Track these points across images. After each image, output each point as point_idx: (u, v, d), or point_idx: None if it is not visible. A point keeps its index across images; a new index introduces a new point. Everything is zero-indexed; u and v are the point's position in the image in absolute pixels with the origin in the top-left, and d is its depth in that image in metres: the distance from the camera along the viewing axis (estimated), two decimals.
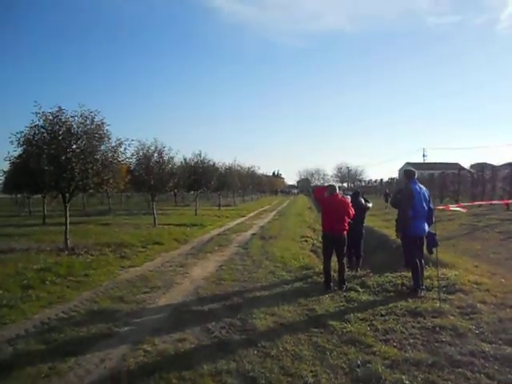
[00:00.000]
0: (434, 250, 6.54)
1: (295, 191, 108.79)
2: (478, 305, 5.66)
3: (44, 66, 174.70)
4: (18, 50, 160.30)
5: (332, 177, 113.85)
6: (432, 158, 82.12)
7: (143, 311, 6.14)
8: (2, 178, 21.52)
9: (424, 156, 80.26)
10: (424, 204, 6.52)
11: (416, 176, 6.85)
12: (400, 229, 6.74)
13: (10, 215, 30.00)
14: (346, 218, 7.32)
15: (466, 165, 63.75)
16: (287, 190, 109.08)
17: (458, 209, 7.87)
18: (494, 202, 14.18)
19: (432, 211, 6.66)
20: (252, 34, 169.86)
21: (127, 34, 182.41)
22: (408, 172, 6.93)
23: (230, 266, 9.45)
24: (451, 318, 5.22)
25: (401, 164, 79.55)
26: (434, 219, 6.71)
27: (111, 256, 10.68)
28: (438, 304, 5.77)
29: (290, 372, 3.87)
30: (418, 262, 6.59)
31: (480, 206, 22.06)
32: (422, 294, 6.38)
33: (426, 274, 7.15)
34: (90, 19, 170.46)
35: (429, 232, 6.64)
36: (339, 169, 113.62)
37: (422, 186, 6.79)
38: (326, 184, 9.25)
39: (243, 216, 26.31)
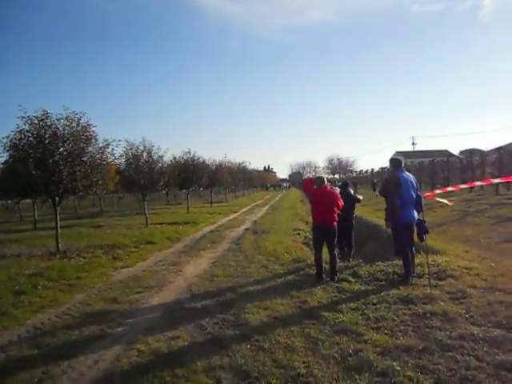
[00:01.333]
0: (424, 237, 6.58)
1: (285, 185, 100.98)
2: (468, 289, 5.74)
3: (28, 69, 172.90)
4: (2, 53, 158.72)
5: (323, 169, 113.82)
6: (422, 146, 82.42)
7: (136, 311, 6.13)
8: None
9: (413, 144, 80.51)
10: (412, 192, 6.56)
11: (403, 164, 6.89)
12: (389, 217, 6.79)
13: (0, 221, 29.75)
14: (336, 209, 7.35)
15: (456, 151, 64.06)
16: (277, 184, 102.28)
17: (444, 201, 7.87)
18: (477, 183, 14.32)
19: (420, 198, 6.69)
20: (238, 29, 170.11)
21: (113, 33, 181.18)
22: (395, 161, 6.96)
23: (222, 262, 9.46)
24: (441, 303, 5.28)
25: (391, 153, 79.64)
26: (422, 206, 6.75)
27: (103, 258, 10.64)
28: (428, 290, 5.84)
29: (282, 364, 3.89)
30: (408, 249, 6.64)
31: (471, 190, 22.27)
32: (414, 281, 6.45)
33: (416, 261, 7.23)
34: (75, 20, 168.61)
35: (418, 219, 6.68)
36: (330, 160, 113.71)
37: (409, 174, 6.83)
38: (317, 176, 9.25)
39: (235, 212, 26.31)
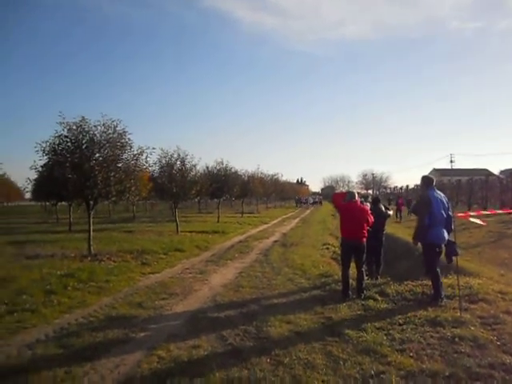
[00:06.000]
0: (453, 258, 6.37)
1: (311, 199, 73.14)
2: (502, 315, 5.48)
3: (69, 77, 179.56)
4: (41, 63, 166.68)
5: (357, 183, 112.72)
6: (460, 165, 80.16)
7: (160, 317, 6.18)
8: (30, 186, 22.07)
9: (451, 162, 78.42)
10: (442, 211, 6.36)
11: (434, 183, 6.71)
12: (417, 236, 6.60)
13: (38, 222, 30.86)
14: (365, 225, 7.22)
15: (496, 171, 62.04)
16: (300, 199, 71.84)
17: (477, 221, 7.54)
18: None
19: (451, 218, 6.47)
20: (274, 43, 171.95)
21: (141, 42, 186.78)
22: (426, 179, 6.78)
23: (249, 273, 9.44)
24: (472, 328, 5.06)
25: (428, 170, 77.99)
26: (453, 227, 6.53)
27: (133, 263, 10.82)
28: (458, 314, 5.61)
29: (301, 381, 3.81)
30: (439, 270, 6.44)
31: (510, 213, 21.45)
32: (443, 303, 6.22)
33: (448, 282, 7.05)
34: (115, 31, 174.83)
35: (449, 240, 6.47)
36: (364, 175, 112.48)
37: (440, 193, 6.64)
38: (348, 190, 9.21)
39: (266, 223, 26.30)
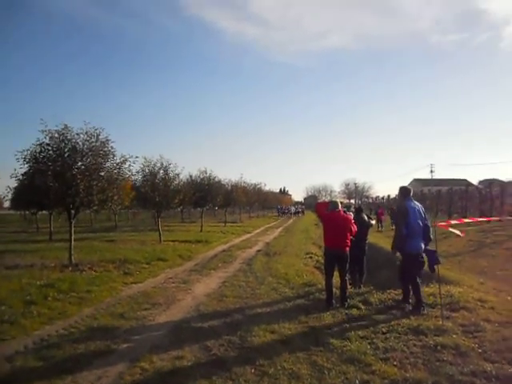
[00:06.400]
0: (435, 267, 6.46)
1: (293, 209, 66.83)
2: (482, 323, 5.57)
3: (42, 83, 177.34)
4: (23, 67, 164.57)
5: (339, 193, 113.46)
6: (440, 175, 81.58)
7: (143, 328, 6.09)
8: (10, 194, 21.61)
9: (432, 172, 79.85)
10: (419, 221, 6.47)
11: (411, 193, 6.83)
12: (396, 246, 6.70)
13: (17, 231, 30.23)
14: (348, 234, 7.27)
15: (475, 181, 63.29)
16: (285, 209, 67.16)
17: (456, 232, 7.61)
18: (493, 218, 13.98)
19: (429, 228, 6.58)
20: (255, 52, 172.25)
21: (129, 51, 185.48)
22: (403, 189, 6.91)
23: (232, 282, 9.40)
24: (454, 336, 5.13)
25: (409, 180, 79.21)
26: (432, 236, 6.63)
27: (115, 272, 10.68)
28: (440, 322, 5.69)
29: None
30: (418, 278, 6.53)
31: (489, 222, 21.86)
32: (425, 311, 6.29)
33: (430, 291, 7.14)
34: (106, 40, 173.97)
35: (429, 250, 6.56)
36: (346, 185, 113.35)
37: (417, 203, 6.76)
38: (331, 200, 9.32)
39: (249, 232, 26.25)
